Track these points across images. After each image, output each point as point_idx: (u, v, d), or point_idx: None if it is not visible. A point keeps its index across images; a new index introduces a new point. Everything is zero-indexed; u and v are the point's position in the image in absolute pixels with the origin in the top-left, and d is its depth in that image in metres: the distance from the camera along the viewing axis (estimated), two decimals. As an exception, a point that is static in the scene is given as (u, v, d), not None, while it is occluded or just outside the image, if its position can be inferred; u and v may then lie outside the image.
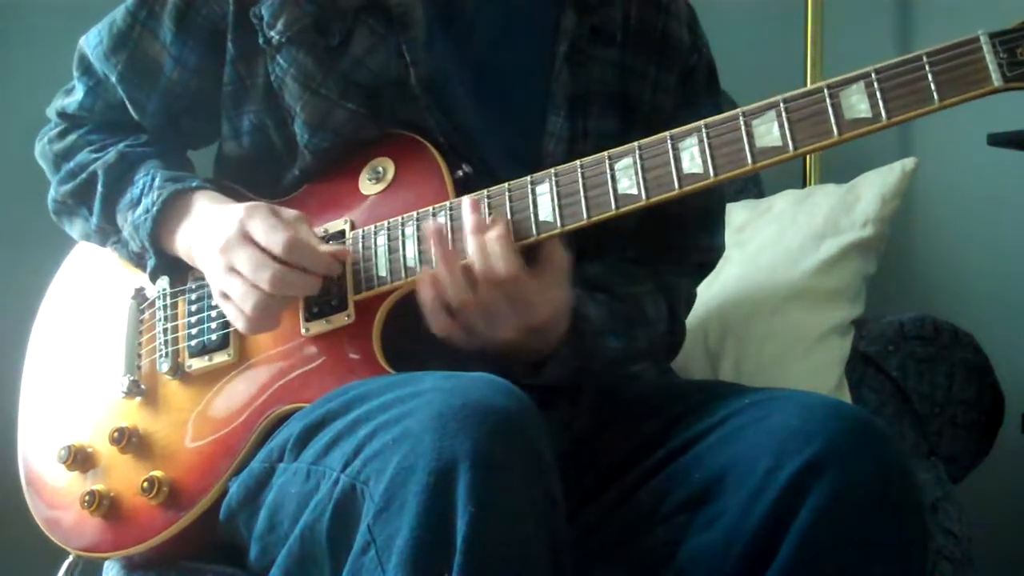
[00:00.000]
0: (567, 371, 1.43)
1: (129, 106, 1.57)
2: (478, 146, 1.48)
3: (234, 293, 1.39)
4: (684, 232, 1.61)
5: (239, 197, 1.50)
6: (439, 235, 1.35)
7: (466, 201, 1.36)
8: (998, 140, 2.04)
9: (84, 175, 1.55)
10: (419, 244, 1.38)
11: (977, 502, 2.06)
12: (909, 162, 2.15)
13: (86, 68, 1.59)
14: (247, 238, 1.37)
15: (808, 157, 2.43)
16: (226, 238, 1.38)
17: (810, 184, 2.41)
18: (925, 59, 1.22)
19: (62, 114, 1.63)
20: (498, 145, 1.47)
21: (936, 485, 1.93)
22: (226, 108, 1.53)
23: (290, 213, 1.41)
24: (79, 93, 1.60)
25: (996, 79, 1.20)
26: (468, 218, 1.35)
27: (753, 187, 2.33)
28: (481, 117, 1.49)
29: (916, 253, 2.49)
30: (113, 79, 1.56)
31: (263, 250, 1.36)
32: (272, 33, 1.46)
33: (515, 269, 1.33)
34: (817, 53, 2.43)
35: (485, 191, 1.38)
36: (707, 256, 1.67)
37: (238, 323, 1.41)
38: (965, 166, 2.40)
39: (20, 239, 2.16)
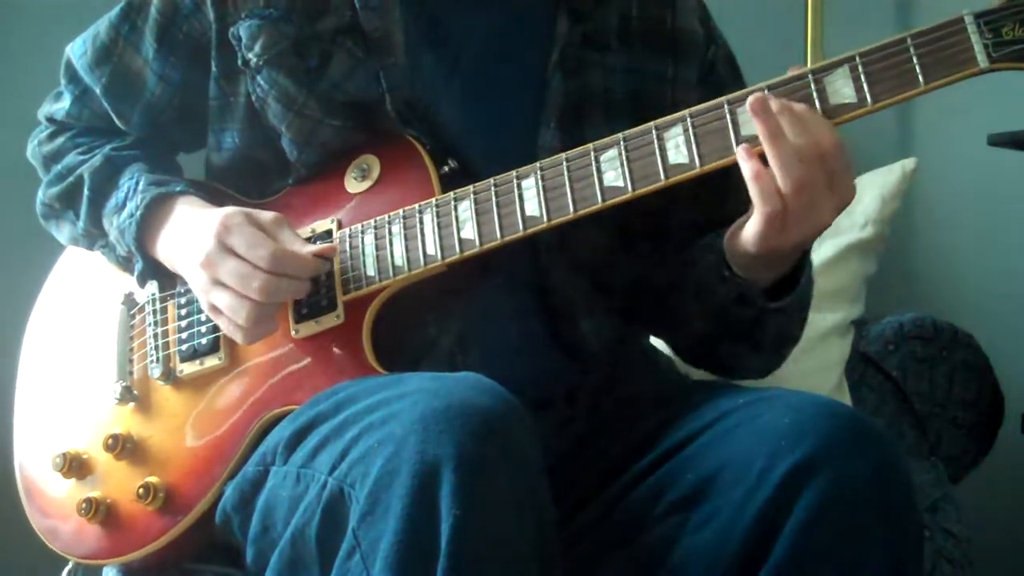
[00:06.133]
0: (800, 297, 1.39)
1: (114, 117, 1.57)
2: (469, 163, 1.45)
3: (225, 306, 1.38)
4: None
5: (225, 200, 1.49)
6: (762, 106, 1.24)
7: (761, 94, 1.26)
8: (998, 140, 2.03)
9: (71, 179, 1.54)
10: (406, 242, 1.38)
11: (977, 502, 2.05)
12: (909, 162, 2.15)
13: (72, 76, 1.59)
14: (229, 250, 1.36)
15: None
16: (206, 252, 1.37)
17: (810, 185, 2.40)
18: (910, 41, 1.21)
19: (50, 119, 1.63)
20: (491, 161, 1.43)
21: (936, 485, 1.92)
22: (212, 122, 1.53)
23: (268, 218, 1.39)
24: (66, 101, 1.60)
25: (982, 60, 1.19)
26: (774, 101, 1.24)
27: (754, 187, 2.32)
28: (472, 135, 1.46)
29: (916, 253, 2.48)
30: (98, 91, 1.56)
31: (248, 261, 1.35)
32: (250, 55, 1.45)
33: (836, 135, 1.24)
34: (817, 46, 2.42)
35: (471, 187, 1.37)
36: None
37: (236, 336, 1.40)
38: (965, 166, 2.39)
39: (14, 243, 2.15)
